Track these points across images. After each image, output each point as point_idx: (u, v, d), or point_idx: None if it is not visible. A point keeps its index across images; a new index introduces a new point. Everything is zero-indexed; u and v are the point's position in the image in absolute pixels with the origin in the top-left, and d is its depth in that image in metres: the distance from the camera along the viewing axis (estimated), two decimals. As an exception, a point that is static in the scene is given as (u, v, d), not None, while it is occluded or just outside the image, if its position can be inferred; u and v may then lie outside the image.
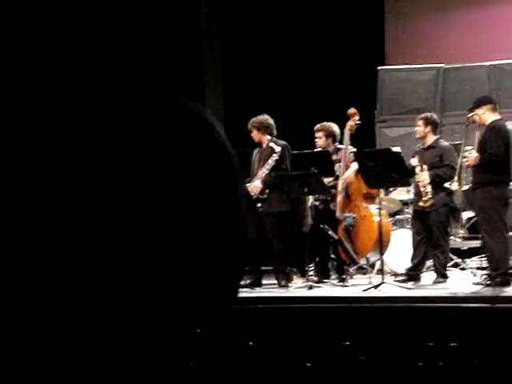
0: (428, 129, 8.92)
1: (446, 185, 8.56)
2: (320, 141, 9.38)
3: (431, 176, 8.66)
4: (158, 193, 0.74)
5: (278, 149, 9.05)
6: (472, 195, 8.60)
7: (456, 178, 8.45)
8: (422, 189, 8.66)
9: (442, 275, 8.72)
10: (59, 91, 0.76)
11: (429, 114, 9.19)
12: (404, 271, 8.99)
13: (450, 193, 8.68)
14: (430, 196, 8.57)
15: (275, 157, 9.06)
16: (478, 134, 8.43)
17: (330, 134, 9.36)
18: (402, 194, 10.39)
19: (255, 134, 9.28)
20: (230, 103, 12.42)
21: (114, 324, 0.73)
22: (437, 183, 8.64)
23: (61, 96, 0.76)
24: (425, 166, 8.70)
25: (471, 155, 8.22)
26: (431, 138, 8.94)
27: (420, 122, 8.96)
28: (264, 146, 9.26)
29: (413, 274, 8.80)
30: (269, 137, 9.21)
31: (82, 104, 0.75)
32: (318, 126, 9.44)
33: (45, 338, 0.73)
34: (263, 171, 9.13)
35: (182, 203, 0.75)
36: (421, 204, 8.66)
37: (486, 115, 8.35)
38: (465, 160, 8.33)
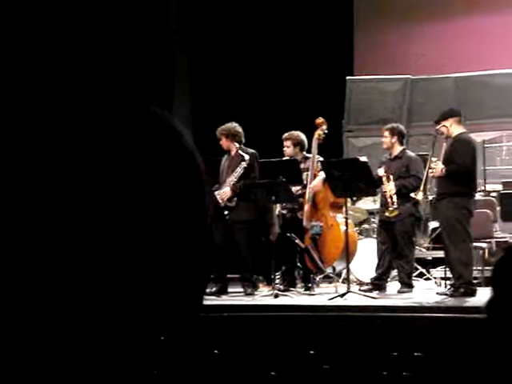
0: (394, 139, 8.97)
1: (412, 195, 8.61)
2: (288, 149, 9.40)
3: (397, 186, 8.71)
4: (124, 200, 0.73)
5: (247, 157, 9.06)
6: (437, 206, 8.66)
7: (421, 188, 8.50)
8: (388, 199, 8.70)
9: (406, 285, 8.77)
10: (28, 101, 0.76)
11: (395, 125, 9.24)
12: (369, 280, 9.03)
13: (415, 203, 8.74)
14: (396, 206, 8.62)
15: (244, 165, 9.07)
16: (444, 145, 8.50)
17: (297, 143, 9.38)
18: (368, 203, 10.45)
19: (224, 142, 9.27)
20: (198, 110, 12.42)
21: (80, 327, 0.73)
22: (403, 194, 8.70)
23: (32, 104, 0.75)
24: (391, 177, 8.75)
25: (437, 166, 8.29)
26: (398, 149, 9.00)
27: (386, 133, 9.01)
28: (232, 153, 9.26)
29: (378, 284, 8.84)
30: (237, 145, 9.21)
31: (49, 112, 0.75)
32: (286, 134, 9.46)
33: (40, 337, 0.72)
34: (231, 179, 9.12)
35: (148, 211, 0.74)
36: (386, 214, 8.70)
37: (453, 128, 8.43)
38: (431, 171, 8.39)
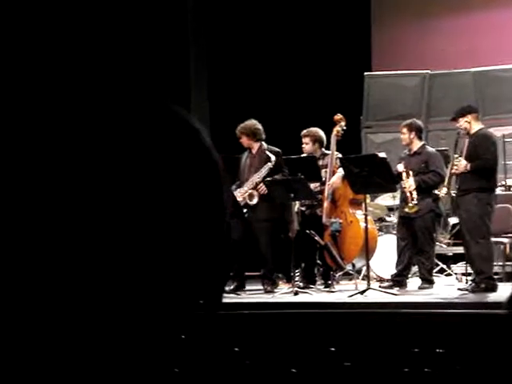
0: (412, 135, 8.94)
1: (436, 191, 8.58)
2: (307, 146, 9.38)
3: (417, 182, 8.68)
4: (142, 197, 0.73)
5: (273, 158, 9.04)
6: (458, 201, 8.61)
7: (445, 184, 8.45)
8: (407, 195, 8.67)
9: (427, 281, 8.74)
10: (49, 97, 0.76)
11: (412, 121, 9.20)
12: (390, 277, 9.01)
13: (435, 199, 8.71)
14: (416, 202, 8.59)
15: (269, 165, 9.03)
16: (466, 141, 8.46)
17: (316, 140, 9.37)
18: (387, 199, 10.41)
19: (244, 140, 9.26)
20: (216, 108, 12.42)
21: (98, 328, 0.73)
22: (422, 189, 8.66)
23: (52, 101, 0.75)
24: (410, 172, 8.72)
25: (460, 163, 8.26)
26: (417, 144, 8.97)
27: (404, 130, 8.99)
28: (254, 151, 9.24)
29: (398, 280, 8.81)
30: (265, 144, 9.19)
31: (70, 108, 0.75)
32: (305, 131, 9.44)
33: (43, 337, 0.72)
34: (255, 179, 9.07)
35: (166, 208, 0.74)
36: (406, 210, 8.67)
37: (472, 124, 8.40)
38: (455, 167, 8.34)
